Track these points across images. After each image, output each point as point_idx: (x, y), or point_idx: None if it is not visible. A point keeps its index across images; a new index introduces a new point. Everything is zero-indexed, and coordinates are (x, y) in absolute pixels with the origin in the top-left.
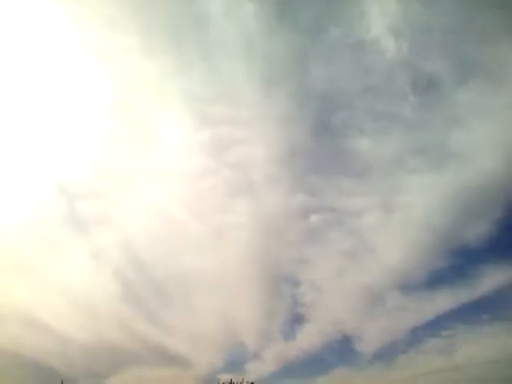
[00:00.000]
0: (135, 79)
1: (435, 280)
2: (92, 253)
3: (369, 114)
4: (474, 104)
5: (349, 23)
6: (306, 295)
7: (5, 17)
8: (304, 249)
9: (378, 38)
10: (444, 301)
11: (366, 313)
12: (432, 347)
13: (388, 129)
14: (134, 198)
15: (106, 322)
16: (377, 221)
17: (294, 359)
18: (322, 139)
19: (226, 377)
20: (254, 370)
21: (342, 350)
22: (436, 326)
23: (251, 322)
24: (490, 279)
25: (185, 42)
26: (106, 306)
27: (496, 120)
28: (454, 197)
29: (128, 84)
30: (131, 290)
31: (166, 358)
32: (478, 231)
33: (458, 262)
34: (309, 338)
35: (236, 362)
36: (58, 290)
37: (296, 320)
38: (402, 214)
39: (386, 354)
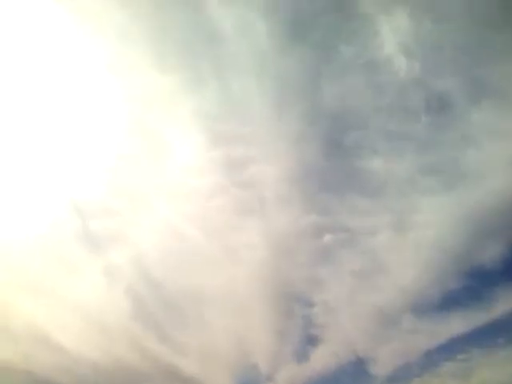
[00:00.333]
0: (147, 96)
1: (449, 302)
2: (104, 270)
3: (381, 134)
4: (487, 123)
5: (361, 42)
6: (319, 316)
7: (15, 30)
8: (316, 269)
9: (390, 57)
10: (458, 323)
11: (379, 335)
12: (447, 371)
13: (400, 148)
14: (147, 215)
15: (117, 340)
16: (390, 240)
17: (308, 381)
18: (334, 158)
19: None
20: None
21: (355, 372)
22: (451, 349)
23: (263, 343)
24: (506, 302)
25: (197, 58)
26: (117, 323)
27: (510, 139)
28: (468, 217)
29: (140, 101)
30: (143, 308)
31: (177, 378)
32: (492, 252)
33: (472, 283)
34: (322, 359)
35: None
36: (71, 307)
37: (309, 341)
38: (415, 233)
39: (401, 378)
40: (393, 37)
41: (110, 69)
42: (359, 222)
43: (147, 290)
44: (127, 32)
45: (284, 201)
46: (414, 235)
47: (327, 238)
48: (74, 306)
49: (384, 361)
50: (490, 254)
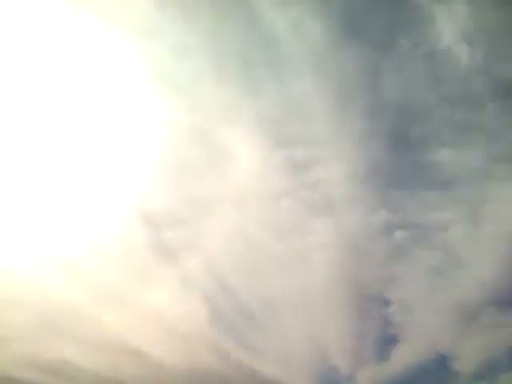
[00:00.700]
0: (208, 106)
1: None
2: (179, 279)
3: (447, 124)
4: None
5: (419, 33)
6: (397, 314)
7: (73, 48)
8: (390, 267)
9: (450, 46)
10: None
11: (460, 330)
12: None
13: (469, 138)
14: (216, 223)
15: (197, 347)
16: (465, 234)
17: (389, 381)
18: (401, 153)
19: None
20: None
21: (438, 370)
22: None
23: (342, 344)
24: None
25: (253, 64)
26: (195, 331)
27: None
28: None
29: (201, 111)
30: (220, 314)
31: (258, 382)
32: None
33: None
34: (403, 358)
35: None
36: (150, 317)
37: (388, 340)
38: (492, 225)
39: (486, 374)
40: (451, 25)
41: (172, 82)
42: (431, 217)
43: (222, 296)
44: (186, 46)
45: (352, 199)
46: (490, 227)
47: (399, 234)
48: (154, 315)
49: (468, 357)
50: None
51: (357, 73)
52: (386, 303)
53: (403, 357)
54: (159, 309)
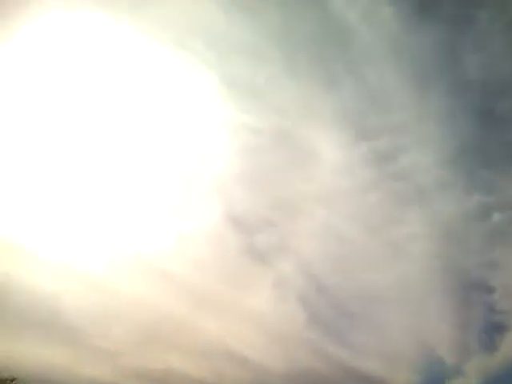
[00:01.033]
0: (286, 106)
1: None
2: (274, 281)
3: None
4: None
5: (496, 4)
6: (502, 301)
7: (150, 60)
8: (490, 251)
9: None
10: None
11: None
12: None
13: None
14: (305, 222)
15: (296, 349)
16: None
17: (499, 371)
18: (489, 130)
19: None
20: None
21: None
22: None
23: (445, 335)
24: None
25: (328, 58)
26: (294, 331)
27: None
28: None
29: (280, 112)
30: (317, 314)
31: (360, 379)
32: None
33: None
34: None
35: (435, 378)
36: (249, 321)
37: (495, 329)
38: None
39: None
40: None
41: (248, 87)
42: None
43: (318, 295)
44: (259, 51)
45: (443, 185)
46: None
47: (496, 217)
48: (252, 319)
49: None
50: None
51: (435, 52)
52: (489, 290)
53: None
54: (257, 312)
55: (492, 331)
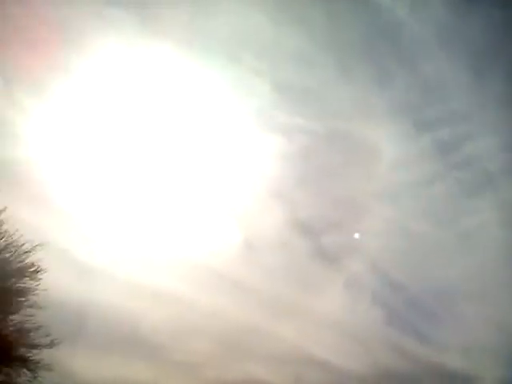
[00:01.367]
0: (340, 106)
1: None
2: (346, 282)
3: None
4: None
5: None
6: None
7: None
8: None
9: None
10: None
11: None
12: None
13: None
14: (371, 220)
15: (375, 348)
16: None
17: None
18: None
19: None
20: None
21: None
22: None
23: None
24: None
25: (379, 55)
26: (372, 332)
27: None
28: None
29: (334, 113)
30: (393, 312)
31: (445, 376)
32: None
33: None
34: None
35: None
36: (323, 324)
37: None
38: None
39: None
40: None
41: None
42: None
43: (393, 293)
44: (308, 55)
45: (511, 170)
46: None
47: None
48: (327, 322)
49: None
50: None
51: (487, 35)
52: None
53: None
54: (331, 315)
55: None
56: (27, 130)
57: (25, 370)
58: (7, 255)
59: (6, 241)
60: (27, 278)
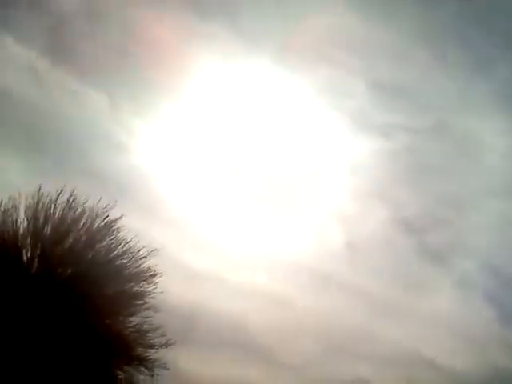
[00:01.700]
0: (440, 100)
1: None
2: (455, 280)
3: None
4: None
5: None
6: None
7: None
8: None
9: None
10: None
11: None
12: None
13: None
14: (479, 215)
15: (489, 349)
16: None
17: None
18: None
19: None
20: None
21: None
22: None
23: None
24: None
25: (474, 41)
26: (485, 331)
27: None
28: None
29: (436, 107)
30: (508, 310)
31: None
32: None
33: None
34: None
35: None
36: (432, 324)
37: None
38: None
39: None
40: None
41: (394, 88)
42: None
43: (506, 290)
44: (404, 49)
45: None
46: None
47: None
48: (436, 322)
49: None
50: None
51: None
52: None
53: None
54: (441, 315)
55: None
56: (140, 145)
57: (143, 369)
58: (125, 261)
59: (123, 247)
60: (144, 282)
